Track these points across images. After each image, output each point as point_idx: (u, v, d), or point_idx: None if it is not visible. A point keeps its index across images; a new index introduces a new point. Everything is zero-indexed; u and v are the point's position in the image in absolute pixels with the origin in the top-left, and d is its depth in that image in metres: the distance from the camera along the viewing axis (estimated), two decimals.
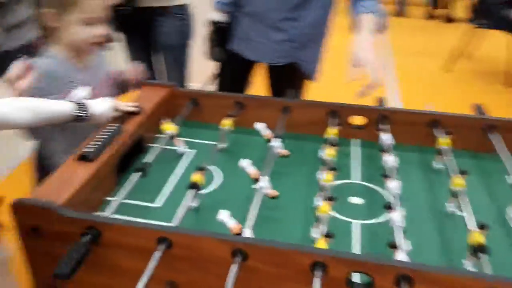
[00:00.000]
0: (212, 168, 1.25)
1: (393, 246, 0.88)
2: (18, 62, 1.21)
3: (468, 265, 0.93)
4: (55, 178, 1.05)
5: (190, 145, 1.36)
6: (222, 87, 2.05)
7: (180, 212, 0.99)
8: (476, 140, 1.36)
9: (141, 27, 2.33)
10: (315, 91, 2.05)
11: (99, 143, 1.16)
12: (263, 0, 1.81)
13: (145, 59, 2.35)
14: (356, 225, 1.08)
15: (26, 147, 2.24)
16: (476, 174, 1.25)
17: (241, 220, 0.97)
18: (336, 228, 1.05)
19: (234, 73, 2.04)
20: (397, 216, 0.96)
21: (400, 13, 6.41)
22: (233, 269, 0.84)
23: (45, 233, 0.95)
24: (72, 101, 1.19)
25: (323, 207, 1.00)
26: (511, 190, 1.16)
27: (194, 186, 1.06)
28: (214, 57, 2.00)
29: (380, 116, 1.40)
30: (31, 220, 0.95)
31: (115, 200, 1.04)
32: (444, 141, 1.27)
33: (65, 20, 1.31)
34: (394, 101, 3.65)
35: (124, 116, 1.30)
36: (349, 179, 1.25)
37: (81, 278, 0.92)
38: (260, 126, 1.32)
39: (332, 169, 1.13)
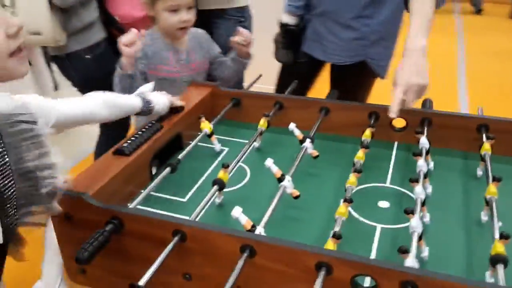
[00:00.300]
0: (242, 166, 1.27)
1: (403, 251, 0.85)
2: (130, 31, 1.52)
3: (489, 276, 0.88)
4: (91, 170, 1.14)
5: (227, 143, 1.40)
6: (283, 87, 2.07)
7: (200, 207, 1.02)
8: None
9: (201, 28, 2.41)
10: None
11: (137, 138, 1.23)
12: None
13: None
14: (379, 229, 1.06)
15: (90, 142, 2.42)
16: None
17: (260, 217, 0.99)
18: (359, 231, 1.04)
19: (300, 75, 2.05)
20: (414, 221, 0.93)
21: (477, 11, 6.07)
22: (239, 264, 0.86)
23: (76, 221, 1.03)
24: (139, 96, 1.28)
25: (341, 208, 0.99)
26: None
27: (218, 182, 1.10)
28: (281, 58, 2.03)
29: (422, 119, 1.35)
30: (65, 208, 1.03)
31: (143, 193, 1.10)
32: (486, 147, 1.20)
33: (155, 9, 1.66)
34: (462, 108, 3.47)
35: (166, 113, 1.37)
36: (380, 182, 1.22)
37: (104, 263, 1.00)
38: (293, 127, 1.33)
39: (359, 171, 1.12)
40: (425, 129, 1.31)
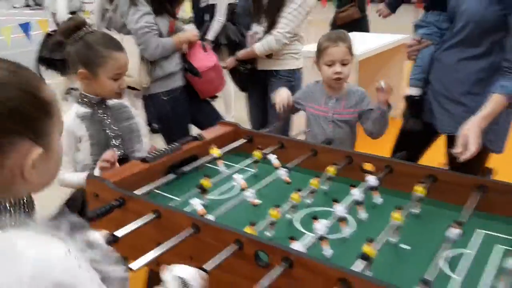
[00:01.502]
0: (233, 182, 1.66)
1: (291, 238, 1.19)
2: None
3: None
4: (121, 168, 1.62)
5: (229, 167, 1.80)
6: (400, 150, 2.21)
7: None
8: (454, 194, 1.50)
9: (258, 85, 2.91)
10: None
11: (160, 153, 1.70)
12: (447, 76, 2.06)
13: (260, 112, 2.92)
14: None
15: None
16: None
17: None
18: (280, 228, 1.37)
19: (416, 141, 2.28)
20: (318, 225, 1.25)
21: None
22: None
23: (100, 198, 1.50)
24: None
25: (272, 211, 1.34)
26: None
27: (201, 188, 1.50)
28: (410, 127, 2.27)
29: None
30: (94, 189, 1.51)
31: (148, 187, 1.55)
32: (418, 189, 1.46)
33: (319, 64, 2.16)
34: None
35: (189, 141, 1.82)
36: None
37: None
38: (271, 157, 1.71)
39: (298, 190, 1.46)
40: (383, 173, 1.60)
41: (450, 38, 2.05)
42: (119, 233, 1.26)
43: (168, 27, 2.56)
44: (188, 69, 2.69)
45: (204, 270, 1.10)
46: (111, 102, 1.88)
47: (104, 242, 1.03)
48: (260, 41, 2.77)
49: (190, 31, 2.87)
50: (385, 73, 4.61)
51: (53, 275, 0.70)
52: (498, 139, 2.04)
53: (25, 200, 0.89)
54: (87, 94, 1.82)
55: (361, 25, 4.91)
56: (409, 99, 2.25)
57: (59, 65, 4.04)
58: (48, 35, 4.12)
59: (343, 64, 2.08)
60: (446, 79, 2.07)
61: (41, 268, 0.69)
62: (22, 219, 0.77)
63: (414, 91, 2.23)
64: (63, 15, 3.96)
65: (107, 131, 1.84)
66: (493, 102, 1.82)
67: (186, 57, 2.71)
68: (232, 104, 4.92)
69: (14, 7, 15.22)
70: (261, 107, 2.96)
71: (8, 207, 0.83)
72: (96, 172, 1.68)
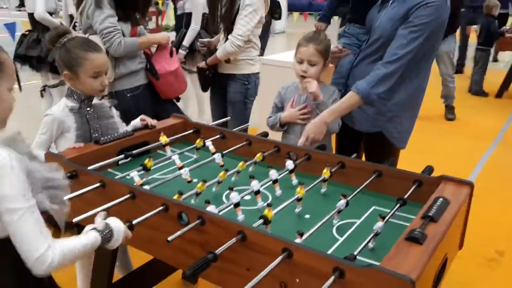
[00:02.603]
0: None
1: (207, 201, 1.47)
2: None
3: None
4: (77, 148, 1.88)
5: (174, 152, 2.07)
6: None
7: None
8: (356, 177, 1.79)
9: (219, 86, 3.21)
10: None
11: (113, 137, 1.97)
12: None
13: (221, 109, 3.22)
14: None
15: None
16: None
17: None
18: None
19: (347, 142, 2.55)
20: (232, 195, 1.53)
21: None
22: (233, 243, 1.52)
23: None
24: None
25: (200, 185, 1.61)
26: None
27: (144, 167, 1.77)
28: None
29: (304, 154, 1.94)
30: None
31: (98, 164, 1.81)
32: (324, 172, 1.75)
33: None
34: None
35: (143, 128, 2.10)
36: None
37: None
38: (208, 144, 1.99)
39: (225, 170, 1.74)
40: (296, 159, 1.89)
41: (366, 48, 2.33)
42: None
43: (130, 32, 2.82)
44: (149, 69, 2.95)
45: (131, 223, 1.38)
46: (95, 100, 2.12)
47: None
48: (220, 47, 3.08)
49: (163, 34, 3.12)
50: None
51: None
52: (401, 137, 2.35)
53: None
54: (74, 90, 2.05)
55: None
56: None
57: (34, 62, 4.31)
58: (23, 35, 4.40)
59: (311, 64, 2.26)
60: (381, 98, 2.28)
61: None
62: None
63: None
64: (41, 13, 4.18)
65: (91, 126, 2.07)
66: (345, 98, 2.15)
67: (149, 58, 2.97)
68: (205, 108, 5.19)
69: (1, 8, 15.36)
70: (221, 105, 3.28)
71: None
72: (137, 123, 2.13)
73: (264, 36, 7.16)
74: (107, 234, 1.28)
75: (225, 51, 3.04)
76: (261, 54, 5.73)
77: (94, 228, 1.28)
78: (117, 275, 2.29)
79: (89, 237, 1.24)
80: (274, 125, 2.37)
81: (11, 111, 1.23)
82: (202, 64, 3.26)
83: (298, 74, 2.32)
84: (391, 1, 2.21)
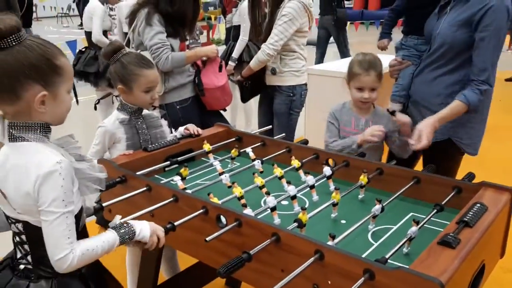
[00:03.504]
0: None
1: (243, 205, 1.53)
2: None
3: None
4: (127, 155, 2.00)
5: (217, 159, 2.15)
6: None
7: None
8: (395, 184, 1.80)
9: (266, 98, 3.30)
10: None
11: (160, 145, 2.08)
12: (426, 90, 2.33)
13: (267, 120, 3.30)
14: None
15: None
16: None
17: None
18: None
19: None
20: (269, 199, 1.58)
21: None
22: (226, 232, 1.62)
23: (108, 175, 1.88)
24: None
25: (236, 189, 1.68)
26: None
27: (180, 175, 1.85)
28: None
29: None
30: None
31: (146, 170, 1.92)
32: (361, 178, 1.78)
33: (350, 86, 2.36)
34: None
35: (188, 136, 2.20)
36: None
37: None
38: (249, 151, 2.06)
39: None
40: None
41: (427, 58, 2.35)
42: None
43: (179, 47, 2.96)
44: (197, 84, 3.08)
45: (172, 224, 1.47)
46: (145, 111, 2.25)
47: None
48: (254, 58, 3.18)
49: (210, 47, 3.23)
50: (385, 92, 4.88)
51: (42, 170, 1.23)
52: (472, 143, 2.31)
53: (45, 127, 1.32)
54: (126, 103, 2.18)
55: None
56: (392, 114, 2.53)
57: (92, 78, 4.58)
58: (80, 51, 4.68)
59: (372, 90, 2.26)
60: (425, 93, 2.36)
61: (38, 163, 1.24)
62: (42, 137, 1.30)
63: (396, 106, 2.52)
64: (97, 35, 4.46)
65: (140, 136, 2.20)
66: (452, 107, 2.14)
67: (199, 72, 3.10)
68: (252, 118, 5.29)
69: (64, 26, 16.24)
70: (268, 116, 3.35)
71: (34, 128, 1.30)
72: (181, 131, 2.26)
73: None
74: (124, 231, 1.38)
75: (257, 60, 3.12)
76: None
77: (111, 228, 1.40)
78: (164, 278, 2.39)
79: (106, 236, 1.35)
80: (347, 147, 2.25)
81: (68, 111, 1.36)
82: (238, 77, 3.36)
83: (357, 100, 2.30)
84: (449, 8, 2.24)
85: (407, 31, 2.55)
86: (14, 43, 1.21)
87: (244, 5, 4.60)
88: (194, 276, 2.28)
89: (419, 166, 2.41)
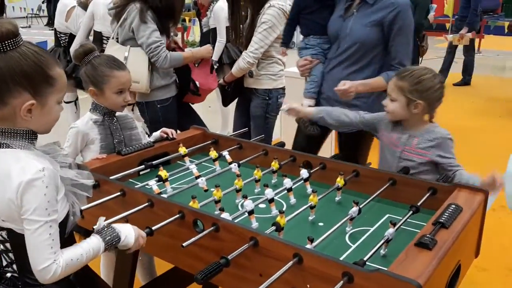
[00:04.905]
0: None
1: (221, 209, 1.51)
2: None
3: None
4: (100, 159, 1.96)
5: (193, 162, 2.13)
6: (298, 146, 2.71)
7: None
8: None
9: (243, 99, 3.30)
10: None
11: (134, 148, 2.04)
12: (336, 86, 2.40)
13: (243, 123, 3.29)
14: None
15: None
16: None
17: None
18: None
19: (313, 139, 2.69)
20: (246, 202, 1.57)
21: None
22: None
23: None
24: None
25: (215, 191, 1.66)
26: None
27: (159, 177, 1.82)
28: (309, 132, 2.60)
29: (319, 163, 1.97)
30: None
31: (119, 175, 1.88)
32: (338, 180, 1.78)
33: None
34: None
35: (163, 139, 2.17)
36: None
37: None
38: (225, 154, 2.05)
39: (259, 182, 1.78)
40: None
41: (337, 56, 2.52)
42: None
43: (166, 43, 2.94)
44: (193, 88, 3.10)
45: (150, 229, 1.44)
46: (118, 112, 2.19)
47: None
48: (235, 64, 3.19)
49: (206, 47, 3.22)
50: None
51: (25, 177, 1.19)
52: None
53: (31, 134, 1.28)
54: (98, 104, 2.13)
55: None
56: None
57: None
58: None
59: (391, 100, 2.02)
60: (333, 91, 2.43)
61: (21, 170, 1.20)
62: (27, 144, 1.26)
63: (310, 102, 2.63)
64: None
65: (114, 137, 2.15)
66: (375, 80, 2.42)
67: (189, 73, 3.10)
68: (229, 121, 5.26)
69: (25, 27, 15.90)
70: (243, 119, 3.34)
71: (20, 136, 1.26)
72: (158, 134, 2.22)
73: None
74: (109, 238, 1.34)
75: (238, 67, 3.13)
76: None
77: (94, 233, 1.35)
78: (141, 283, 2.35)
79: (90, 243, 1.31)
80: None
81: (56, 121, 1.32)
82: (221, 81, 3.37)
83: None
84: (355, 10, 2.44)
85: (307, 33, 2.71)
86: (8, 48, 1.19)
87: (217, 7, 4.57)
88: (171, 280, 2.24)
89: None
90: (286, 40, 2.93)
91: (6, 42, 1.18)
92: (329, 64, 2.57)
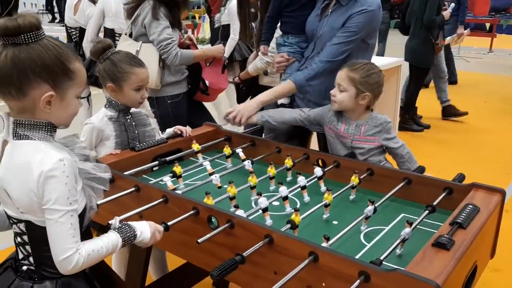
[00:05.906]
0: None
1: (235, 206, 1.50)
2: None
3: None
4: (114, 155, 1.96)
5: (206, 159, 2.13)
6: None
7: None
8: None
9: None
10: None
11: (148, 144, 2.04)
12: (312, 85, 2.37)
13: None
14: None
15: None
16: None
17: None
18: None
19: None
20: (261, 200, 1.56)
21: None
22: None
23: None
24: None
25: (230, 188, 1.66)
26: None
27: (173, 173, 1.83)
28: None
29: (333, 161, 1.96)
30: None
31: (133, 170, 1.88)
32: (353, 179, 1.77)
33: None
34: None
35: (176, 136, 2.17)
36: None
37: None
38: (239, 151, 2.04)
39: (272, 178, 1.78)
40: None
41: (313, 56, 2.45)
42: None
43: (178, 38, 2.95)
44: (200, 89, 3.10)
45: (166, 224, 1.44)
46: (133, 109, 2.19)
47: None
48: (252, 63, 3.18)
49: (218, 47, 3.23)
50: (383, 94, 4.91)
51: (46, 168, 1.20)
52: None
53: (51, 127, 1.28)
54: (114, 100, 2.13)
55: None
56: (282, 106, 2.60)
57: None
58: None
59: (341, 90, 2.07)
60: (311, 87, 2.39)
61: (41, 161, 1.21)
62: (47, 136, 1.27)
63: (284, 101, 2.63)
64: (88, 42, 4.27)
65: (129, 133, 2.15)
66: (282, 85, 2.36)
67: (200, 71, 3.10)
68: None
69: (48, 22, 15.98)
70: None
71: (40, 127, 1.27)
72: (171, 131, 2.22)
73: None
74: (125, 233, 1.35)
75: (255, 67, 3.14)
76: None
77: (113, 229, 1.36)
78: (152, 278, 2.35)
79: (109, 237, 1.32)
80: None
81: (74, 116, 1.33)
82: (236, 78, 3.37)
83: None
84: (331, 10, 2.37)
85: (286, 32, 2.67)
86: (31, 40, 1.20)
87: (233, 4, 4.56)
88: (183, 276, 2.24)
89: None
90: (266, 38, 2.85)
91: (28, 34, 1.19)
92: (304, 62, 2.51)
